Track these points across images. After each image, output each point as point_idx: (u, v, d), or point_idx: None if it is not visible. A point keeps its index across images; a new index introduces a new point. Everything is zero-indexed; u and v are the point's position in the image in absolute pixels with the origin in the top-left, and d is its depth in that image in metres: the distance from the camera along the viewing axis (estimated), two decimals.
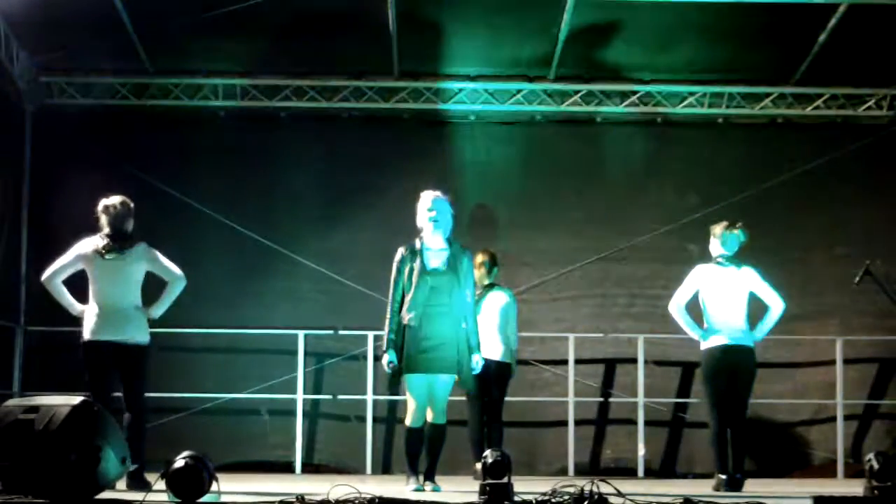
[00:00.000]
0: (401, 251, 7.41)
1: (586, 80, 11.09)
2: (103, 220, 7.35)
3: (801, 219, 11.11)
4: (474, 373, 7.45)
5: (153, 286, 7.42)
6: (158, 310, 7.39)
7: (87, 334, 7.26)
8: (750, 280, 8.15)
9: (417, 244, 7.40)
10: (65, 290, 7.37)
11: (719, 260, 8.17)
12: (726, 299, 8.09)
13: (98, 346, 7.21)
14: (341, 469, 10.63)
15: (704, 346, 8.14)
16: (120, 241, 7.29)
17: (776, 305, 8.16)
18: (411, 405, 7.37)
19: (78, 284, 7.39)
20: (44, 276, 7.42)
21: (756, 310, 8.20)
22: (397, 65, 10.85)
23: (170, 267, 7.38)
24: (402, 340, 7.25)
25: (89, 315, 7.26)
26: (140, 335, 7.28)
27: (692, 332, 8.20)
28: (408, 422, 7.42)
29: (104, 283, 7.27)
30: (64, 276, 7.36)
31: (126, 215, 7.38)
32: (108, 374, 7.25)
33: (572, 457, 10.44)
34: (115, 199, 7.38)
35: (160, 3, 9.89)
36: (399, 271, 7.35)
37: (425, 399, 7.32)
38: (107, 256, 7.25)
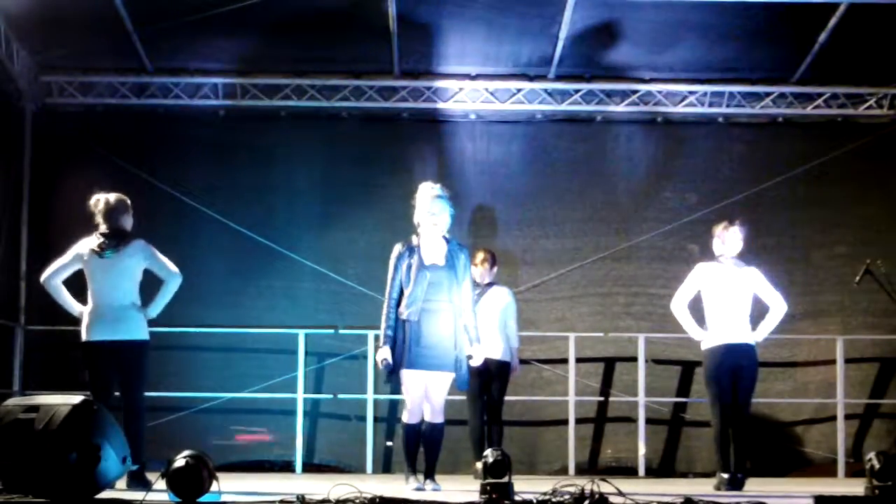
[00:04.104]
0: (398, 247, 7.38)
1: (586, 80, 11.09)
2: (97, 216, 7.33)
3: (802, 218, 11.10)
4: (475, 366, 7.45)
5: (150, 286, 7.41)
6: (155, 309, 7.35)
7: (84, 335, 7.24)
8: (753, 280, 8.13)
9: (415, 240, 7.38)
10: (64, 290, 7.35)
11: (721, 259, 8.16)
12: (729, 298, 8.07)
13: (96, 347, 7.20)
14: (341, 469, 10.62)
15: (706, 345, 8.13)
16: (116, 238, 7.27)
17: (778, 307, 8.14)
18: (408, 401, 7.36)
19: (76, 284, 7.39)
20: (43, 277, 7.40)
21: (756, 310, 8.20)
22: (397, 64, 10.84)
23: (166, 264, 7.33)
24: (402, 335, 7.23)
25: (87, 315, 7.25)
26: (138, 332, 7.24)
27: (693, 332, 8.20)
28: (404, 418, 7.42)
29: (101, 282, 7.24)
30: (63, 276, 7.34)
31: (122, 212, 7.34)
32: (107, 374, 7.23)
33: (572, 456, 10.43)
34: (108, 195, 7.34)
35: (160, 3, 9.88)
36: (396, 267, 7.31)
37: (422, 395, 7.30)
38: (104, 255, 7.22)
